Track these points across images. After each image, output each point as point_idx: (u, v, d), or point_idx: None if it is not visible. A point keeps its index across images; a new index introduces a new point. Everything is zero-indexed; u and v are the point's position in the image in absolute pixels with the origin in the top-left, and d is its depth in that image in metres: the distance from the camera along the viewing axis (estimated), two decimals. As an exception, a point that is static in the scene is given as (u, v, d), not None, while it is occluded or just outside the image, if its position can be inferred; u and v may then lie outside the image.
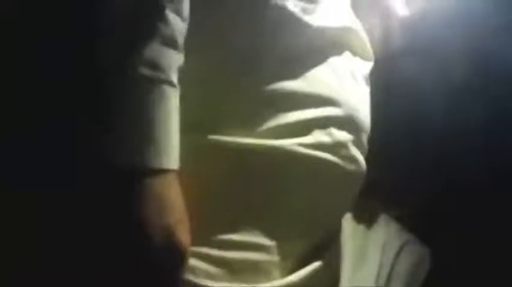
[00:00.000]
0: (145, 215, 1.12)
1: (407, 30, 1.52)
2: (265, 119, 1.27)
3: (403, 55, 1.70)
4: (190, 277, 1.19)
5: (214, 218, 1.22)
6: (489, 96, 2.30)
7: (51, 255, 1.28)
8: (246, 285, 1.23)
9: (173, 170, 1.14)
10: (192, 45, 1.19)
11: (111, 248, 1.15)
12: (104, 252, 1.16)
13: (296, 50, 1.31)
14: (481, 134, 2.33)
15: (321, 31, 1.33)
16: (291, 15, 1.30)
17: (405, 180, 2.51)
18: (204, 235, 1.20)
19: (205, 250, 1.21)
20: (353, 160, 1.35)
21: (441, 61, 2.27)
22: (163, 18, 1.16)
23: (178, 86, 1.16)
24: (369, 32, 1.46)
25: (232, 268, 1.23)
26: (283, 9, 1.29)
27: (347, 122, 1.34)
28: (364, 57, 1.44)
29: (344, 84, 1.36)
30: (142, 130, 1.12)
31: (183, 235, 1.15)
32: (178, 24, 1.18)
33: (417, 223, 2.52)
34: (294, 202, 1.29)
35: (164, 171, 1.13)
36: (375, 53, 1.47)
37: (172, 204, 1.15)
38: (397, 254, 2.63)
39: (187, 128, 1.17)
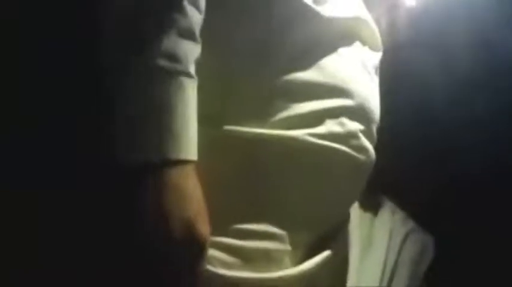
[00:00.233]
0: (165, 207, 1.12)
1: (414, 21, 1.51)
2: (277, 110, 1.27)
3: (410, 46, 1.69)
4: (207, 266, 1.19)
5: (228, 207, 1.23)
6: (494, 89, 2.29)
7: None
8: (260, 274, 1.23)
9: (191, 162, 1.14)
10: (203, 37, 1.19)
11: (130, 241, 1.14)
12: (122, 245, 1.16)
13: (307, 41, 1.30)
14: (485, 126, 2.32)
15: (332, 21, 1.33)
16: (302, 6, 1.29)
17: (411, 170, 2.51)
18: (218, 224, 1.19)
19: (220, 239, 1.22)
20: (363, 150, 1.35)
21: (447, 53, 2.26)
22: (181, 10, 1.15)
23: (196, 77, 1.16)
24: (377, 22, 1.45)
25: (245, 257, 1.24)
26: (293, 0, 1.28)
27: (358, 112, 1.34)
28: (373, 48, 1.43)
29: (355, 74, 1.36)
30: (161, 122, 1.12)
31: (203, 226, 1.15)
32: (195, 16, 1.17)
33: (421, 212, 2.52)
34: (305, 191, 1.29)
35: (183, 162, 1.13)
36: (382, 43, 1.46)
37: (191, 195, 1.14)
38: (403, 241, 2.63)
39: (201, 119, 1.16)
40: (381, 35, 1.45)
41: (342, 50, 1.35)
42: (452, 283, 2.46)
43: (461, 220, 2.50)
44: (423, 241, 2.63)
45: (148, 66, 1.13)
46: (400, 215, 2.69)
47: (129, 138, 1.13)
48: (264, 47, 1.27)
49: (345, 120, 1.32)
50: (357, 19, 1.39)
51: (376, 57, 1.44)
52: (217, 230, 1.20)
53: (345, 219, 1.44)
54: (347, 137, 1.32)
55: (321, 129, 1.29)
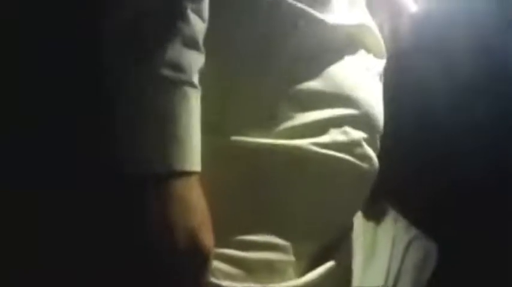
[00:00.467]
0: (170, 218, 1.12)
1: (416, 27, 1.51)
2: (282, 120, 1.26)
3: (412, 52, 1.69)
4: (210, 278, 1.19)
5: (231, 218, 1.22)
6: (495, 95, 2.29)
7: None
8: (264, 285, 1.23)
9: (195, 172, 1.14)
10: (206, 46, 1.19)
11: (135, 251, 1.14)
12: (126, 254, 1.16)
13: (311, 48, 1.30)
14: (486, 132, 2.32)
15: (336, 29, 1.32)
16: (304, 14, 1.29)
17: (412, 175, 2.50)
18: (222, 235, 1.19)
19: (223, 250, 1.21)
20: (367, 158, 1.35)
21: (449, 59, 2.26)
22: (185, 19, 1.15)
23: (199, 87, 1.16)
24: (380, 29, 1.45)
25: (249, 268, 1.23)
26: (295, 8, 1.28)
27: (362, 120, 1.34)
28: (377, 55, 1.43)
29: (360, 81, 1.35)
30: (165, 132, 1.12)
31: (207, 237, 1.14)
32: (199, 25, 1.17)
33: (423, 217, 2.52)
34: (309, 201, 1.29)
35: (187, 173, 1.13)
36: (385, 50, 1.46)
37: (195, 206, 1.14)
38: (406, 249, 2.63)
39: (205, 129, 1.16)
40: (384, 42, 1.45)
41: (346, 57, 1.35)
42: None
43: (462, 225, 2.49)
44: (426, 248, 2.63)
45: (153, 75, 1.13)
46: (402, 223, 2.69)
47: (132, 147, 1.13)
48: (266, 49, 1.27)
49: (348, 129, 1.31)
50: (361, 26, 1.39)
51: (380, 64, 1.44)
52: (221, 241, 1.19)
53: (349, 228, 1.44)
54: (351, 146, 1.32)
55: (324, 138, 1.28)
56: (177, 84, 1.13)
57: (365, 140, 1.34)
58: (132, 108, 1.14)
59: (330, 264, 1.34)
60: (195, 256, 1.13)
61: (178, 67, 1.14)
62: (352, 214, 1.44)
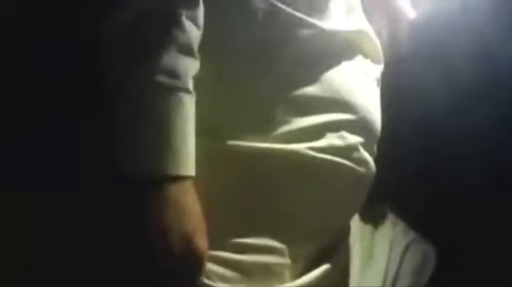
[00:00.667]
0: (164, 221, 1.13)
1: (414, 33, 1.52)
2: (278, 124, 1.26)
3: (411, 58, 1.69)
4: (205, 280, 1.19)
5: (228, 221, 1.22)
6: (494, 100, 2.30)
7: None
8: None
9: (190, 177, 1.14)
10: (203, 51, 1.20)
11: (129, 254, 1.15)
12: (122, 257, 1.16)
13: (309, 54, 1.30)
14: (485, 137, 2.33)
15: (333, 34, 1.33)
16: (302, 22, 1.29)
17: (411, 180, 2.51)
18: (218, 239, 1.19)
19: (219, 253, 1.21)
20: (364, 162, 1.35)
21: (448, 64, 2.27)
22: (180, 26, 1.16)
23: (194, 93, 1.16)
24: (378, 35, 1.45)
25: (246, 271, 1.23)
26: (293, 16, 1.29)
27: (359, 125, 1.34)
28: (375, 60, 1.44)
29: (357, 87, 1.36)
30: (160, 138, 1.13)
31: (201, 240, 1.15)
32: (194, 32, 1.18)
33: (422, 222, 2.52)
34: (305, 205, 1.29)
35: (181, 178, 1.14)
36: (383, 55, 1.47)
37: (190, 210, 1.15)
38: (404, 252, 2.63)
39: (202, 133, 1.17)
40: (383, 48, 1.45)
41: (344, 63, 1.35)
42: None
43: (461, 230, 2.49)
44: (424, 252, 2.62)
45: (148, 82, 1.14)
46: (401, 226, 2.69)
47: (128, 152, 1.14)
48: (264, 55, 1.27)
49: (345, 133, 1.32)
50: (358, 32, 1.39)
51: (377, 69, 1.44)
52: (217, 244, 1.20)
53: (346, 231, 1.44)
54: (347, 150, 1.32)
55: (321, 142, 1.29)
56: (172, 90, 1.15)
57: (362, 144, 1.34)
58: (132, 108, 1.14)
59: (325, 267, 1.34)
60: (189, 259, 1.14)
61: (173, 74, 1.15)
62: (349, 218, 1.44)
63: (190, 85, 1.16)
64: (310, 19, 1.30)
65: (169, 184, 1.13)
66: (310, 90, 1.29)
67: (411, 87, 2.29)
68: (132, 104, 1.14)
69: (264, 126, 1.26)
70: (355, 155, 1.33)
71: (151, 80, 1.13)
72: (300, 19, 1.29)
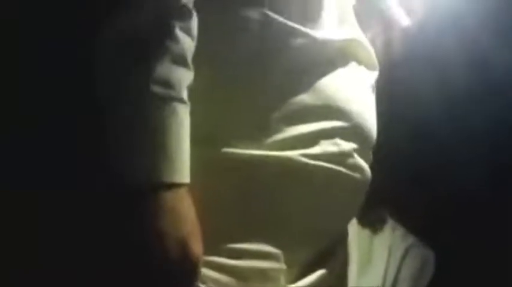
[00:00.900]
0: (160, 228, 1.14)
1: (408, 39, 1.52)
2: (273, 132, 1.28)
3: (405, 64, 1.70)
4: (201, 285, 1.20)
5: (224, 227, 1.23)
6: (489, 105, 2.31)
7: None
8: None
9: (185, 184, 1.15)
10: (198, 61, 1.21)
11: (126, 259, 1.15)
12: (117, 262, 1.17)
13: (302, 63, 1.31)
14: (481, 142, 2.34)
15: (327, 43, 1.34)
16: (295, 31, 1.30)
17: (408, 186, 2.51)
18: (214, 244, 1.20)
19: (215, 259, 1.22)
20: (359, 168, 1.36)
21: (442, 70, 2.28)
22: (173, 37, 1.17)
23: (188, 103, 1.18)
24: (372, 42, 1.46)
25: (241, 276, 1.23)
26: (286, 26, 1.29)
27: (354, 132, 1.35)
28: (369, 67, 1.44)
29: (352, 94, 1.36)
30: (156, 147, 1.14)
31: (196, 246, 1.16)
32: (187, 42, 1.19)
33: (418, 227, 2.52)
34: (301, 211, 1.29)
35: (177, 185, 1.15)
36: (378, 62, 1.47)
37: (185, 216, 1.16)
38: (403, 257, 2.63)
39: (197, 141, 1.18)
40: (377, 55, 1.46)
41: (338, 71, 1.36)
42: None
43: (458, 234, 2.50)
44: (423, 256, 2.62)
45: (143, 92, 1.15)
46: (400, 231, 2.69)
47: (124, 159, 1.15)
48: (258, 64, 1.28)
49: (339, 140, 1.32)
50: (352, 41, 1.40)
51: (372, 76, 1.45)
52: (213, 249, 1.20)
53: (343, 235, 1.44)
54: (342, 157, 1.33)
55: (315, 149, 1.30)
56: (167, 100, 1.16)
57: (356, 151, 1.35)
58: (127, 117, 1.16)
59: (321, 271, 1.35)
60: (185, 264, 1.15)
61: (168, 84, 1.16)
62: (345, 223, 1.45)
63: (185, 95, 1.18)
64: (303, 28, 1.31)
65: (165, 191, 1.14)
66: (304, 98, 1.30)
67: (406, 94, 2.30)
68: (127, 113, 1.15)
69: (259, 134, 1.27)
70: (350, 161, 1.34)
71: (146, 90, 1.15)
72: (293, 28, 1.30)
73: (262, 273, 1.25)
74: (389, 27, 1.50)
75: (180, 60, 1.18)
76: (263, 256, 1.26)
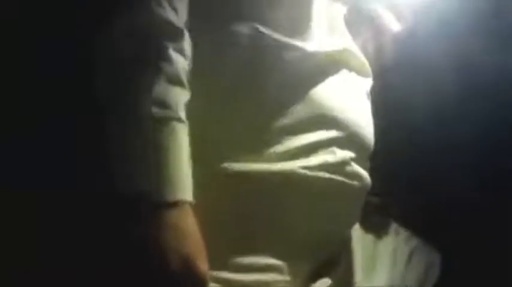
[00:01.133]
0: (165, 245, 1.14)
1: (399, 45, 1.52)
2: (271, 144, 1.27)
3: (396, 70, 1.70)
4: None
5: (227, 242, 1.22)
6: (482, 109, 2.31)
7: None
8: None
9: (188, 201, 1.16)
10: (194, 79, 1.22)
11: (131, 277, 1.15)
12: (123, 279, 1.17)
13: (295, 76, 1.31)
14: (472, 147, 2.34)
15: (318, 55, 1.34)
16: (286, 44, 1.31)
17: (406, 191, 2.51)
18: (218, 259, 1.19)
19: (220, 273, 1.22)
20: (357, 176, 1.36)
21: (434, 75, 2.28)
22: (167, 58, 1.18)
23: (186, 122, 1.18)
24: (363, 49, 1.46)
25: None
26: (277, 40, 1.30)
27: (350, 140, 1.35)
28: (362, 75, 1.44)
29: (347, 102, 1.36)
30: (157, 167, 1.15)
31: (202, 262, 1.16)
32: (181, 62, 1.20)
33: (417, 231, 2.51)
34: (302, 222, 1.29)
35: (179, 203, 1.15)
36: (370, 69, 1.47)
37: (190, 233, 1.16)
38: (408, 261, 2.62)
39: (197, 158, 1.18)
40: (369, 61, 1.46)
41: (331, 81, 1.36)
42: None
43: (457, 237, 2.49)
44: (428, 259, 2.61)
45: (140, 113, 1.16)
46: (404, 234, 2.68)
47: (127, 178, 1.15)
48: (252, 78, 1.28)
49: (336, 149, 1.32)
50: (344, 51, 1.40)
51: (366, 83, 1.45)
52: (217, 264, 1.20)
53: (346, 243, 1.44)
54: (339, 166, 1.33)
55: (313, 160, 1.30)
56: (165, 120, 1.17)
57: (353, 159, 1.35)
58: (128, 139, 1.16)
59: (326, 280, 1.35)
60: (192, 281, 1.15)
61: (165, 104, 1.17)
62: (347, 229, 1.44)
63: (183, 114, 1.18)
64: (293, 41, 1.31)
65: (168, 210, 1.15)
66: (300, 109, 1.31)
67: (397, 99, 2.29)
68: (127, 134, 1.16)
69: (257, 148, 1.27)
70: (348, 169, 1.34)
71: (144, 111, 1.15)
72: (284, 42, 1.30)
73: (267, 285, 1.25)
74: (380, 33, 1.50)
75: (175, 80, 1.19)
76: (267, 268, 1.26)
